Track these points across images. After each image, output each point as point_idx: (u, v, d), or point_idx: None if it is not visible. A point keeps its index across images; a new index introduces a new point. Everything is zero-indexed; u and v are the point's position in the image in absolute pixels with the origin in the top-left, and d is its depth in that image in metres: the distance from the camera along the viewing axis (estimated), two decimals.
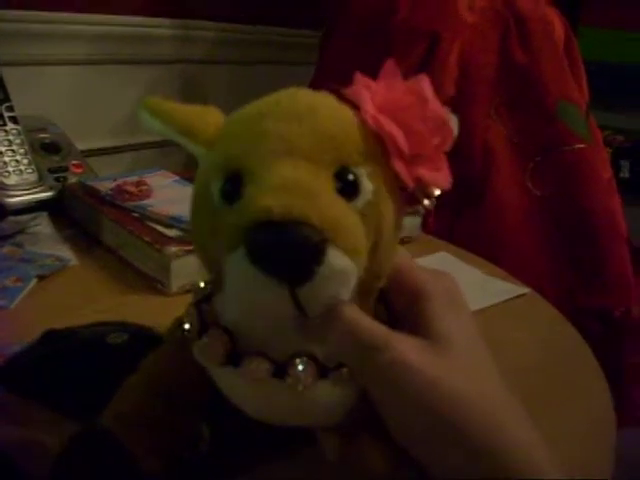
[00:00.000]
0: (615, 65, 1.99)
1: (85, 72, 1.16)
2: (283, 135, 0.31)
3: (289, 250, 0.27)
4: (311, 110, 0.32)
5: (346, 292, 0.30)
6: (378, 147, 0.32)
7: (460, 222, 1.09)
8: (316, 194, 0.29)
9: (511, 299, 0.75)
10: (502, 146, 1.10)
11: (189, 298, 0.39)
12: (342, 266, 0.29)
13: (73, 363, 0.47)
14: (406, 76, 0.34)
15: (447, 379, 0.30)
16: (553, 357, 0.63)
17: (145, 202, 0.79)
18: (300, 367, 0.33)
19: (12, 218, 0.81)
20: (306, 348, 0.33)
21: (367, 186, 0.31)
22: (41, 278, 0.67)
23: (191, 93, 1.32)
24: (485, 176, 1.08)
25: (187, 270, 0.67)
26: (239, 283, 0.29)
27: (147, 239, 0.69)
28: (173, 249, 0.67)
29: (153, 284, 0.68)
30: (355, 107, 0.33)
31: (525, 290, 0.78)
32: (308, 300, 0.29)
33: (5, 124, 0.87)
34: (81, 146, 1.02)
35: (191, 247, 0.67)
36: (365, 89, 0.32)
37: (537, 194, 1.12)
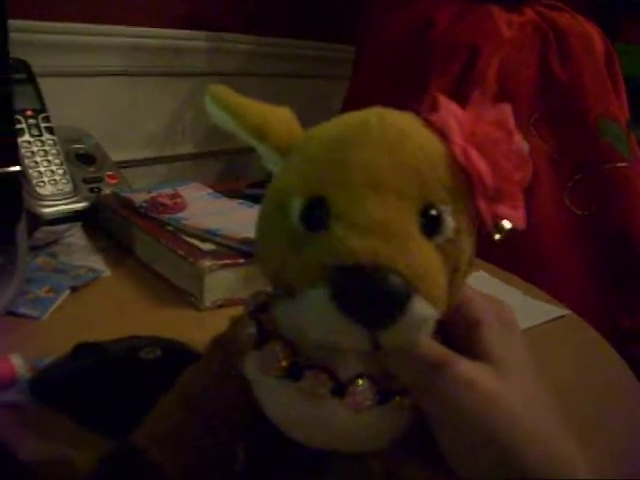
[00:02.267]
0: None
1: (120, 83, 1.16)
2: (371, 167, 0.30)
3: (374, 299, 0.27)
4: (401, 141, 0.31)
5: (425, 336, 0.30)
6: (463, 182, 0.31)
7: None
8: (404, 238, 0.28)
9: (551, 320, 0.73)
10: (542, 162, 1.08)
11: (222, 313, 0.38)
12: (425, 315, 0.28)
13: (105, 378, 0.46)
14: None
15: (508, 400, 0.30)
16: (594, 381, 0.62)
17: (179, 215, 0.78)
18: (362, 388, 0.32)
19: (46, 228, 0.80)
20: (369, 370, 0.32)
21: (449, 224, 0.30)
22: (74, 289, 0.67)
23: None
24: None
25: (221, 284, 0.66)
26: (318, 321, 0.28)
27: (181, 252, 0.68)
28: (207, 263, 0.66)
29: (186, 298, 0.67)
30: (440, 133, 0.32)
31: (565, 312, 0.76)
32: (387, 343, 0.28)
33: (41, 134, 0.87)
34: (115, 157, 1.02)
35: (225, 261, 0.66)
36: (453, 118, 0.31)
37: (577, 213, 1.09)
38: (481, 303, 0.35)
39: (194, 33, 1.26)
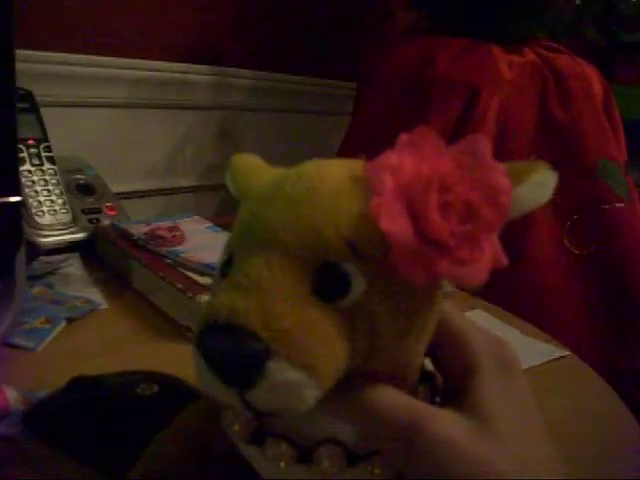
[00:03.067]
0: None
1: (122, 115, 1.17)
2: (270, 225, 0.29)
3: (227, 358, 0.26)
4: (308, 198, 0.29)
5: (300, 403, 0.27)
6: (382, 241, 0.27)
7: (497, 279, 1.06)
8: (274, 297, 0.27)
9: (551, 361, 0.72)
10: None
11: None
12: (286, 380, 0.26)
13: (101, 413, 0.45)
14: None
15: (494, 462, 0.28)
16: (594, 423, 0.61)
17: (178, 248, 0.78)
18: (325, 456, 0.30)
19: (44, 258, 0.80)
20: (334, 433, 0.31)
21: (357, 285, 0.27)
22: (70, 321, 0.66)
23: (227, 140, 1.33)
24: (523, 233, 1.06)
25: None
26: (199, 376, 0.28)
27: (179, 286, 0.68)
28: (205, 297, 0.65)
29: (184, 332, 0.67)
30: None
31: (565, 352, 0.75)
32: (255, 404, 0.27)
33: (42, 164, 0.88)
34: (115, 188, 1.02)
35: None
36: (385, 168, 0.27)
37: (575, 253, 1.10)
38: (480, 344, 0.32)
39: (198, 67, 1.27)
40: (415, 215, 0.26)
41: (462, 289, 0.28)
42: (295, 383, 0.26)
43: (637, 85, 2.04)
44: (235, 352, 0.26)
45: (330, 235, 0.27)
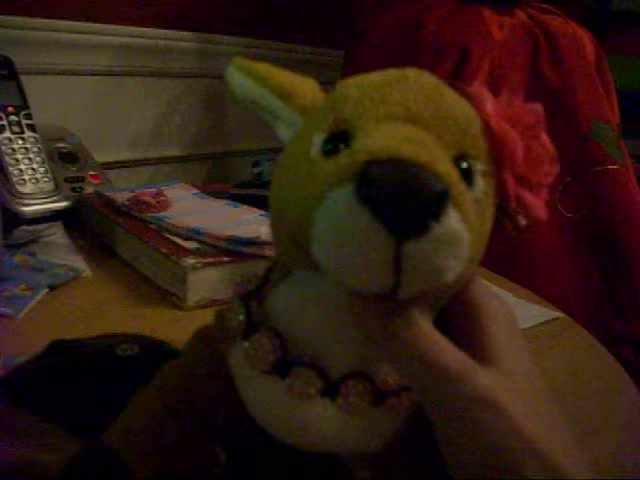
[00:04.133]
0: (635, 92, 1.96)
1: (106, 83, 1.15)
2: (408, 104, 0.27)
3: (409, 194, 0.23)
4: (439, 91, 0.29)
5: (453, 267, 0.25)
6: (493, 154, 0.28)
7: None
8: (439, 156, 0.25)
9: (544, 323, 0.72)
10: None
11: (205, 313, 0.36)
12: (458, 230, 0.24)
13: (79, 375, 0.44)
14: None
15: (523, 426, 0.27)
16: (589, 381, 0.60)
17: (163, 214, 0.76)
18: (355, 388, 0.29)
19: (26, 227, 0.78)
20: (364, 368, 0.30)
21: (479, 183, 0.27)
22: (52, 288, 0.65)
23: (213, 108, 1.30)
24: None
25: (205, 284, 0.64)
26: (337, 226, 0.24)
27: (164, 250, 0.67)
28: (191, 261, 0.64)
29: (169, 298, 0.65)
30: (475, 103, 0.30)
31: (558, 314, 0.74)
32: (412, 261, 0.24)
33: (23, 132, 0.85)
34: (99, 158, 1.00)
35: (209, 260, 0.65)
36: (489, 95, 0.30)
37: (568, 216, 1.08)
38: (485, 291, 0.32)
39: (183, 34, 1.25)
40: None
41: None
42: (462, 237, 0.24)
43: (628, 55, 2.02)
44: (421, 189, 0.23)
45: (466, 129, 0.28)
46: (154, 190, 0.82)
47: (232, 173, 1.39)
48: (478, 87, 0.30)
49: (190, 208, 0.80)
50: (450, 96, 0.29)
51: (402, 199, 0.23)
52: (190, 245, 0.68)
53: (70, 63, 1.08)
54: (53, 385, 0.44)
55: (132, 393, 0.36)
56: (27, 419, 0.43)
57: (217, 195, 0.88)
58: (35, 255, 0.72)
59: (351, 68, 1.26)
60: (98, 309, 0.63)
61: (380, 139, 0.25)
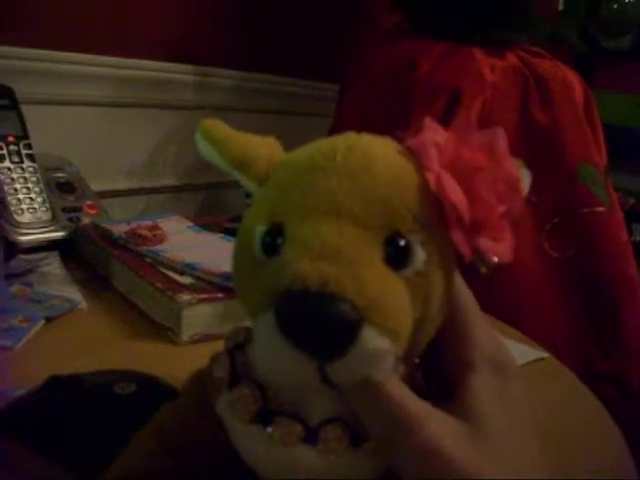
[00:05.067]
0: (624, 128, 2.00)
1: (105, 114, 1.16)
2: (332, 193, 0.29)
3: (320, 326, 0.25)
4: (367, 167, 0.29)
5: (380, 373, 0.28)
6: (436, 212, 0.29)
7: (474, 281, 1.07)
8: (358, 265, 0.27)
9: (529, 363, 0.73)
10: None
11: (199, 348, 0.37)
12: (377, 348, 0.26)
13: (78, 412, 0.45)
14: None
15: (479, 473, 0.28)
16: (573, 423, 0.61)
17: (159, 247, 0.77)
18: (333, 433, 0.30)
19: (22, 257, 0.79)
20: (341, 413, 0.31)
21: (419, 255, 0.29)
22: (48, 320, 0.66)
23: None
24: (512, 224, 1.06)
25: (199, 319, 0.65)
26: (265, 348, 0.27)
27: (159, 285, 0.68)
28: (185, 297, 0.65)
29: (163, 332, 0.66)
30: (417, 159, 0.30)
31: (544, 354, 0.75)
32: (336, 377, 0.27)
33: (22, 161, 0.87)
34: (96, 187, 1.01)
35: (204, 295, 0.66)
36: (432, 144, 0.30)
37: (554, 256, 1.10)
38: (480, 339, 0.32)
39: (182, 67, 1.27)
40: (466, 192, 0.29)
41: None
42: (383, 351, 0.27)
43: (616, 91, 2.06)
44: (331, 320, 0.25)
45: (398, 206, 0.29)
46: (150, 223, 0.83)
47: (225, 203, 1.41)
48: (422, 141, 0.30)
49: (185, 242, 0.82)
50: (380, 170, 0.29)
51: (316, 332, 0.25)
52: (185, 280, 0.69)
53: (70, 94, 1.10)
54: (52, 420, 0.45)
55: (130, 430, 0.37)
56: (25, 454, 0.44)
57: (211, 228, 0.90)
58: (32, 286, 0.73)
59: (345, 105, 1.29)
60: (94, 342, 0.64)
61: (299, 260, 0.27)
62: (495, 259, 0.30)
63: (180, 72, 1.26)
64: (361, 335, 0.26)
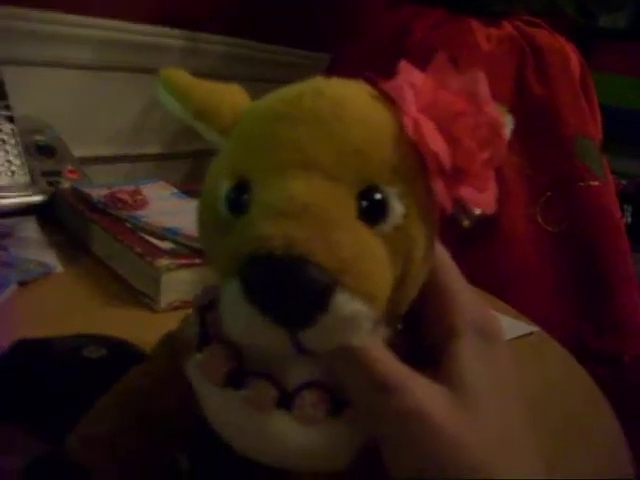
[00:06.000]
0: (618, 109, 1.98)
1: (87, 77, 1.13)
2: (299, 144, 0.26)
3: (288, 293, 0.23)
4: (337, 114, 0.27)
5: (357, 338, 0.26)
6: (414, 160, 0.27)
7: (467, 253, 1.05)
8: (329, 223, 0.24)
9: (519, 337, 0.71)
10: (514, 177, 1.07)
11: (178, 315, 0.35)
12: (351, 313, 0.24)
13: (44, 377, 0.43)
14: None
15: (466, 440, 0.26)
16: (563, 398, 0.60)
17: (139, 213, 0.75)
18: (311, 398, 0.28)
19: None
20: (321, 377, 0.29)
21: (397, 208, 0.26)
22: (22, 284, 0.63)
23: None
24: (497, 208, 1.04)
25: (178, 286, 0.63)
26: (232, 317, 0.25)
27: (138, 250, 0.65)
28: (164, 262, 0.62)
29: (142, 299, 0.64)
30: (392, 103, 0.28)
31: (534, 328, 0.74)
32: (310, 344, 0.25)
33: (0, 123, 0.84)
34: (78, 152, 0.98)
35: (183, 261, 0.63)
36: (408, 86, 0.27)
37: (548, 230, 1.08)
38: (465, 305, 0.30)
39: (168, 31, 1.23)
40: (446, 139, 0.26)
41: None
42: (358, 315, 0.25)
43: (612, 72, 2.04)
44: (299, 286, 0.23)
45: (373, 156, 0.26)
46: (132, 188, 0.81)
47: None
48: (398, 84, 0.27)
49: (167, 208, 0.79)
50: (352, 116, 0.27)
51: (284, 299, 0.23)
52: (165, 245, 0.67)
53: (51, 55, 1.06)
54: (16, 386, 0.43)
55: (98, 396, 0.35)
56: None
57: (195, 195, 0.87)
58: (7, 249, 0.71)
59: (338, 72, 1.26)
60: (69, 307, 0.61)
61: (263, 221, 0.25)
62: (478, 210, 0.28)
63: (166, 36, 1.23)
64: (333, 300, 0.24)
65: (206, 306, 0.32)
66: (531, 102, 1.09)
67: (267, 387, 0.28)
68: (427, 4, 1.18)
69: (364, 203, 0.26)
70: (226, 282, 0.25)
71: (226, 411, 0.29)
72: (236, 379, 0.29)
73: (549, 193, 1.09)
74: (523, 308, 0.80)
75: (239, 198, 0.27)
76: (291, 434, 0.28)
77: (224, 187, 0.28)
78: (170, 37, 1.24)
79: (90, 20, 1.09)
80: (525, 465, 0.28)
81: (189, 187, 0.92)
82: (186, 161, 1.36)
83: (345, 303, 0.24)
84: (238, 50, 1.37)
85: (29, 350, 0.45)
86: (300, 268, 0.23)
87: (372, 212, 0.26)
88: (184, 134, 1.28)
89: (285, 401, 0.28)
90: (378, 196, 0.26)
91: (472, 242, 1.05)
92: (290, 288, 0.23)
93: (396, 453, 0.27)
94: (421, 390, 0.27)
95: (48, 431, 0.38)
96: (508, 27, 1.17)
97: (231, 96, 0.32)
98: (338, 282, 0.24)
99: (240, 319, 0.25)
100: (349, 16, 1.46)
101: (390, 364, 0.27)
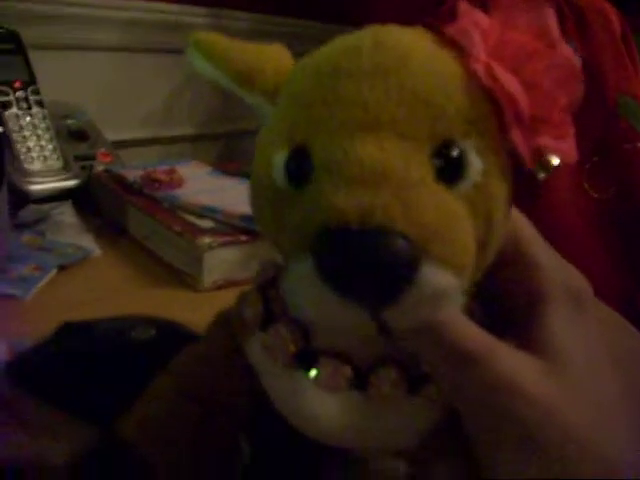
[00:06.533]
0: None
1: (116, 59, 1.11)
2: (364, 101, 0.23)
3: (370, 270, 0.21)
4: (403, 66, 0.24)
5: (444, 312, 0.23)
6: (489, 109, 0.24)
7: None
8: (408, 187, 0.22)
9: None
10: None
11: (222, 295, 0.33)
12: (439, 285, 0.22)
13: (91, 360, 0.41)
14: None
15: (562, 412, 0.24)
16: (624, 359, 0.57)
17: (176, 192, 0.73)
18: (388, 377, 0.26)
19: (34, 206, 0.75)
20: (395, 353, 0.26)
21: (476, 164, 0.23)
22: (61, 268, 0.62)
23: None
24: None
25: (221, 264, 0.61)
26: (306, 299, 0.22)
27: (177, 229, 0.63)
28: (206, 240, 0.61)
29: (183, 278, 0.62)
30: (459, 48, 0.25)
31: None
32: (395, 322, 0.22)
33: (30, 107, 0.82)
34: (110, 136, 0.97)
35: (226, 239, 0.62)
36: (474, 27, 0.24)
37: (595, 196, 1.05)
38: (551, 267, 0.28)
39: (194, 9, 1.21)
40: (521, 83, 0.24)
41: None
42: (447, 288, 0.22)
43: None
44: (382, 261, 0.20)
45: (445, 108, 0.23)
46: (167, 168, 0.79)
47: (245, 152, 1.36)
48: (462, 27, 0.24)
49: (204, 186, 0.77)
50: (418, 66, 0.24)
51: (366, 276, 0.21)
52: (205, 224, 0.65)
53: (79, 38, 1.04)
54: (62, 371, 0.41)
55: (149, 379, 0.33)
56: (35, 406, 0.40)
57: (232, 173, 0.85)
58: (44, 235, 0.69)
59: None
60: (110, 290, 0.60)
61: (334, 191, 0.22)
62: (556, 161, 0.24)
63: (191, 14, 1.20)
64: (420, 273, 0.21)
65: (266, 283, 0.30)
66: None
67: (340, 367, 0.26)
68: None
69: (440, 162, 0.23)
70: (294, 260, 0.22)
71: (295, 394, 0.27)
72: (306, 359, 0.27)
73: (595, 158, 1.04)
74: None
75: (299, 166, 0.24)
76: (366, 415, 0.26)
77: (281, 156, 0.25)
78: (195, 15, 1.21)
79: (116, 1, 1.08)
80: (621, 434, 0.26)
81: (225, 166, 0.90)
82: (218, 142, 1.33)
83: (433, 275, 0.21)
84: (263, 25, 1.34)
85: (75, 333, 0.44)
86: (382, 240, 0.21)
87: (450, 170, 0.23)
88: (216, 115, 1.26)
89: (360, 380, 0.26)
90: (455, 152, 0.23)
91: (535, 177, 1.01)
92: (372, 264, 0.20)
93: (483, 425, 0.25)
94: (510, 359, 0.25)
95: (97, 416, 0.37)
96: None
97: (274, 55, 0.29)
98: (424, 252, 0.21)
99: (315, 300, 0.22)
100: None
101: (473, 334, 0.25)
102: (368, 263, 0.20)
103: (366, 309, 0.21)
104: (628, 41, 1.16)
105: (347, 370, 0.26)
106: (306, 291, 0.22)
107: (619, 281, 1.04)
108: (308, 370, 0.27)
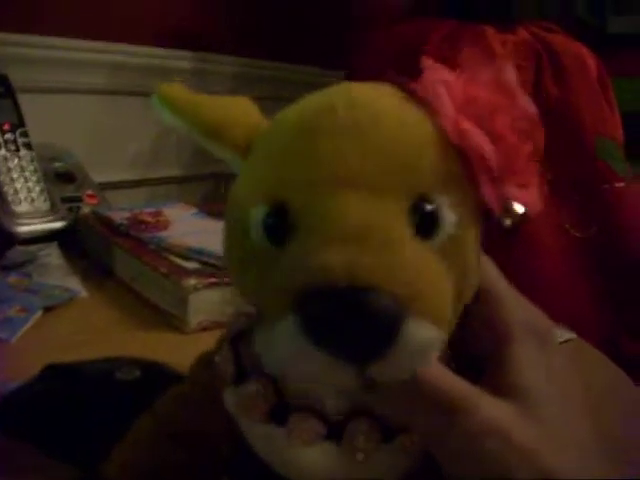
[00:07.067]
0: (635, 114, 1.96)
1: (103, 102, 1.13)
2: (342, 158, 0.24)
3: (358, 328, 0.21)
4: (376, 124, 0.24)
5: (427, 363, 0.23)
6: (459, 163, 0.25)
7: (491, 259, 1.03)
8: (390, 245, 0.22)
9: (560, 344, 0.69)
10: None
11: (207, 336, 0.33)
12: (424, 338, 0.22)
13: (75, 402, 0.41)
14: None
15: (542, 454, 0.25)
16: (613, 406, 0.57)
17: (162, 234, 0.74)
18: (359, 431, 0.26)
19: (21, 247, 0.76)
20: (362, 404, 0.27)
21: (449, 218, 0.24)
22: (47, 310, 0.62)
23: None
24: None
25: (207, 305, 0.62)
26: (293, 360, 0.22)
27: (163, 270, 0.64)
28: (192, 282, 0.61)
29: (169, 320, 0.63)
30: (426, 106, 0.25)
31: (571, 335, 0.72)
32: (381, 376, 0.23)
33: (18, 150, 0.84)
34: (97, 178, 0.98)
35: (211, 280, 0.62)
36: (440, 84, 0.25)
37: (577, 235, 1.06)
38: (515, 309, 0.28)
39: (181, 53, 1.23)
40: (489, 136, 0.25)
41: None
42: (431, 340, 0.22)
43: (625, 76, 2.02)
44: (370, 319, 0.21)
45: (418, 164, 0.24)
46: (153, 210, 0.80)
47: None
48: (429, 84, 0.25)
49: (190, 228, 0.78)
50: (391, 124, 0.25)
51: (354, 335, 0.21)
52: (191, 265, 0.65)
53: (67, 81, 1.06)
54: (46, 413, 0.41)
55: (133, 420, 0.34)
56: (20, 449, 0.40)
57: (216, 214, 0.86)
58: (30, 276, 0.70)
59: None
60: (96, 332, 0.60)
61: (319, 248, 0.22)
62: (521, 209, 0.25)
63: (178, 58, 1.23)
64: (406, 328, 0.21)
65: (237, 336, 0.30)
66: (550, 105, 1.07)
67: (312, 421, 0.27)
68: (439, 16, 1.17)
69: (415, 217, 0.24)
70: (280, 320, 0.22)
71: (270, 445, 0.28)
72: (278, 415, 0.27)
73: (575, 198, 1.06)
74: (556, 316, 0.78)
75: (278, 224, 0.24)
76: (341, 466, 0.27)
77: (259, 214, 0.25)
78: (182, 59, 1.24)
79: (103, 45, 1.10)
80: (595, 469, 0.26)
81: (210, 207, 0.91)
82: (204, 183, 1.35)
83: (417, 329, 0.22)
84: (251, 70, 1.36)
85: (60, 375, 0.44)
86: (369, 299, 0.21)
87: (426, 225, 0.24)
88: (201, 156, 1.28)
89: (334, 432, 0.27)
90: (429, 207, 0.24)
91: (494, 246, 1.02)
92: (360, 322, 0.21)
93: (466, 470, 0.25)
94: (490, 406, 0.25)
95: (83, 458, 0.37)
96: (523, 33, 1.15)
97: (243, 110, 0.29)
98: (408, 309, 0.21)
99: (299, 358, 0.22)
100: (360, 32, 1.45)
101: (454, 382, 0.26)
102: (356, 322, 0.21)
103: (353, 365, 0.22)
104: (605, 84, 1.19)
105: (319, 426, 0.26)
106: (288, 349, 0.22)
107: (604, 322, 1.05)
108: (282, 424, 0.27)
